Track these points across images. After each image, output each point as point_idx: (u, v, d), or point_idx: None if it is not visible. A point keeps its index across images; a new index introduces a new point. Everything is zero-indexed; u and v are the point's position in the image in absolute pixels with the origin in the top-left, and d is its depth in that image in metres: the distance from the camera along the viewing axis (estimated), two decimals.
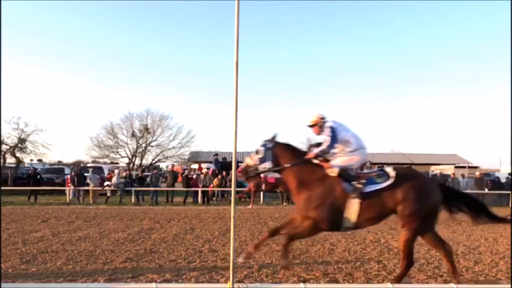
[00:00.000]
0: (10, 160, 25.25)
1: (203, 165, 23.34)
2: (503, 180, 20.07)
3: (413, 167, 33.38)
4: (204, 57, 60.06)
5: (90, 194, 16.66)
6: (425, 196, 4.28)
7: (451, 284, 4.14)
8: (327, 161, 4.57)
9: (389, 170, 4.47)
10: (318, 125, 4.71)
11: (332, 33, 58.60)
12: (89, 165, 27.78)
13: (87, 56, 55.51)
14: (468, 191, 19.07)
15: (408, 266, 4.41)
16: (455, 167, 25.09)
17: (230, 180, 14.45)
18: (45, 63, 57.97)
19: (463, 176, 20.09)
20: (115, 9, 57.18)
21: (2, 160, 23.96)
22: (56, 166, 28.25)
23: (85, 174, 18.31)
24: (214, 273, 4.91)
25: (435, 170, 24.06)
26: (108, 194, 16.92)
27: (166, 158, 32.00)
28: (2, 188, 17.11)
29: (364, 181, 4.33)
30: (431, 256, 6.15)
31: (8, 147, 24.49)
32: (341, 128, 4.59)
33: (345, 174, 4.37)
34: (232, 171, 3.57)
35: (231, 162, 3.64)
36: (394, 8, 54.86)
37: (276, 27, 59.52)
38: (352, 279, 4.81)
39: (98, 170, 20.75)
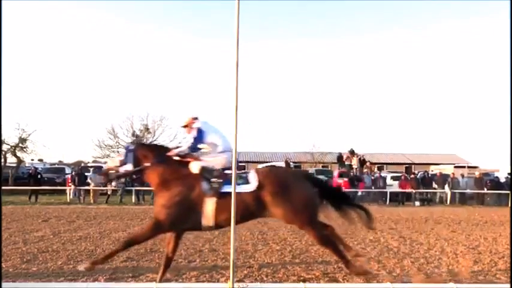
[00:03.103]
0: (11, 160, 25.29)
1: None
2: (502, 180, 20.10)
3: (413, 166, 33.44)
4: (204, 56, 60.02)
5: (91, 194, 16.69)
6: (295, 194, 4.23)
7: (451, 284, 4.15)
8: (195, 160, 4.53)
9: (252, 172, 4.42)
10: (190, 126, 4.65)
11: (331, 32, 58.56)
12: (89, 164, 27.79)
13: (87, 55, 55.48)
14: (468, 190, 19.16)
15: (344, 258, 4.46)
16: (455, 166, 25.05)
17: None
18: (45, 63, 57.99)
19: (462, 175, 20.10)
20: (114, 10, 57.14)
21: (2, 160, 24.00)
22: (56, 166, 28.26)
23: (86, 173, 18.33)
24: (215, 273, 4.93)
25: (435, 169, 24.06)
26: (108, 193, 16.96)
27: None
28: (3, 187, 17.12)
29: (221, 181, 4.26)
30: (431, 256, 6.17)
31: (8, 146, 24.53)
32: (210, 130, 4.57)
33: (206, 173, 4.31)
34: (233, 171, 3.58)
35: (231, 162, 3.65)
36: (393, 6, 54.79)
37: (276, 27, 59.43)
38: (352, 279, 4.82)
39: (99, 169, 20.73)
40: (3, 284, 3.76)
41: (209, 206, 4.18)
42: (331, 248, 4.44)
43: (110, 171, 4.66)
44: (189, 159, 4.52)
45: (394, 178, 20.30)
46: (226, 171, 4.47)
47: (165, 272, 4.47)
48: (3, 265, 5.19)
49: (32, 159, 27.99)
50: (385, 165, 33.63)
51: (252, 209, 4.26)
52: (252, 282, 4.51)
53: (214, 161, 4.45)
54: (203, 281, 4.60)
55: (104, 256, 4.36)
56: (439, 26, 53.92)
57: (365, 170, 20.93)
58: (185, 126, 4.73)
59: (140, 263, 5.50)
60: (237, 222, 4.44)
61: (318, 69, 56.23)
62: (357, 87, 55.58)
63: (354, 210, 4.75)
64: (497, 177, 20.84)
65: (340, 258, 4.46)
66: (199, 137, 4.49)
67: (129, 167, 4.52)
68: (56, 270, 5.04)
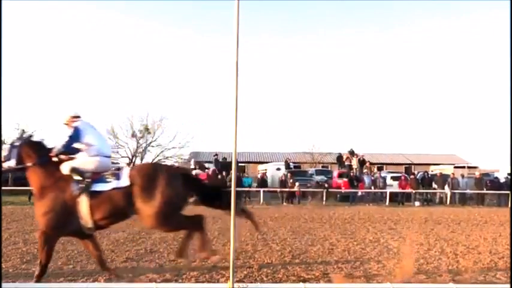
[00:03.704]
0: None
1: None
2: (502, 180, 20.12)
3: (413, 167, 33.44)
4: (204, 56, 60.02)
5: None
6: (163, 193, 4.14)
7: (451, 284, 4.16)
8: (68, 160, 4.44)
9: (126, 168, 4.38)
10: (69, 124, 4.57)
11: (331, 32, 58.55)
12: None
13: (86, 55, 55.48)
14: (468, 191, 19.18)
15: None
16: (455, 167, 25.10)
17: (230, 180, 14.47)
18: (45, 62, 57.99)
19: (462, 176, 20.13)
20: (115, 8, 57.17)
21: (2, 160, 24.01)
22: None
23: None
24: (214, 273, 4.93)
25: (435, 170, 24.08)
26: None
27: (167, 158, 32.09)
28: (3, 187, 17.11)
29: (90, 180, 4.19)
30: (431, 256, 6.17)
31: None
32: (89, 131, 4.50)
33: (76, 174, 4.23)
34: (233, 171, 3.59)
35: (231, 162, 3.64)
36: (394, 6, 54.80)
37: (276, 26, 59.45)
38: (352, 279, 4.82)
39: None
40: (4, 284, 3.76)
41: (83, 206, 4.11)
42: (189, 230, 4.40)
43: None
44: (63, 160, 4.41)
45: (394, 178, 20.32)
46: (98, 171, 4.35)
47: (107, 269, 4.56)
48: (3, 265, 5.19)
49: None
50: (384, 166, 33.66)
51: (122, 206, 4.16)
52: (252, 282, 4.51)
53: (86, 162, 4.35)
54: (203, 281, 4.60)
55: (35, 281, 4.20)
56: (439, 25, 53.93)
57: (365, 170, 20.94)
58: (65, 124, 4.63)
59: (140, 263, 5.51)
60: (111, 223, 4.39)
61: (318, 69, 56.24)
62: (357, 87, 55.58)
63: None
64: (497, 177, 20.87)
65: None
66: (76, 136, 4.40)
67: (12, 163, 4.43)
68: (55, 270, 5.03)
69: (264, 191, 17.79)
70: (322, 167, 29.50)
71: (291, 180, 18.29)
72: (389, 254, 6.33)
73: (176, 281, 4.62)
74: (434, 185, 19.34)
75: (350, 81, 56.66)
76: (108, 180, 4.21)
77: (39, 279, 4.20)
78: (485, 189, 18.84)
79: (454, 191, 18.65)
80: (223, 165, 19.57)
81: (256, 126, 56.02)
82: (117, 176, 4.23)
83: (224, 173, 17.85)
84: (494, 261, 5.97)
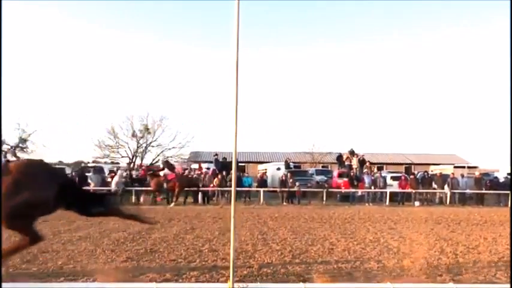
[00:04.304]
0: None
1: (203, 165, 23.39)
2: (502, 180, 20.12)
3: (413, 166, 33.46)
4: (204, 56, 60.01)
5: None
6: (30, 193, 4.01)
7: (451, 284, 4.16)
8: None
9: (3, 162, 4.27)
10: None
11: (331, 33, 58.52)
12: (89, 165, 27.86)
13: (87, 55, 55.44)
14: (468, 190, 19.19)
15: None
16: (455, 167, 25.08)
17: (230, 180, 14.48)
18: (46, 62, 57.93)
19: (462, 176, 20.12)
20: (115, 9, 57.11)
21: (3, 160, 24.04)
22: (56, 166, 28.25)
23: (86, 174, 18.33)
24: (215, 273, 4.93)
25: (435, 170, 24.06)
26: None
27: (167, 158, 32.15)
28: None
29: None
30: (431, 256, 6.17)
31: (8, 147, 24.59)
32: None
33: None
34: (233, 171, 3.59)
35: (231, 162, 3.65)
36: (391, 7, 54.77)
37: (277, 27, 59.41)
38: (352, 279, 4.83)
39: (99, 170, 20.76)
40: (4, 284, 3.76)
41: None
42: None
43: None
44: None
45: (394, 178, 20.32)
46: None
47: None
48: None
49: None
50: (385, 165, 33.69)
51: None
52: (252, 282, 4.51)
53: None
54: (203, 281, 4.60)
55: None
56: (438, 26, 53.94)
57: (365, 170, 20.94)
58: None
59: (140, 263, 5.51)
60: None
61: (317, 69, 56.26)
62: (357, 87, 55.61)
63: (116, 215, 4.73)
64: (496, 177, 20.86)
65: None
66: None
67: None
68: (56, 270, 5.04)
69: (264, 191, 17.81)
70: (322, 166, 29.54)
71: (291, 180, 18.29)
72: (389, 254, 6.33)
73: (176, 280, 4.62)
74: (434, 185, 19.34)
75: (350, 82, 56.66)
76: None
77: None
78: (484, 189, 18.86)
79: (454, 191, 18.66)
80: (223, 165, 19.55)
81: (256, 126, 56.14)
82: None
83: (224, 173, 17.85)
84: (494, 261, 5.97)
